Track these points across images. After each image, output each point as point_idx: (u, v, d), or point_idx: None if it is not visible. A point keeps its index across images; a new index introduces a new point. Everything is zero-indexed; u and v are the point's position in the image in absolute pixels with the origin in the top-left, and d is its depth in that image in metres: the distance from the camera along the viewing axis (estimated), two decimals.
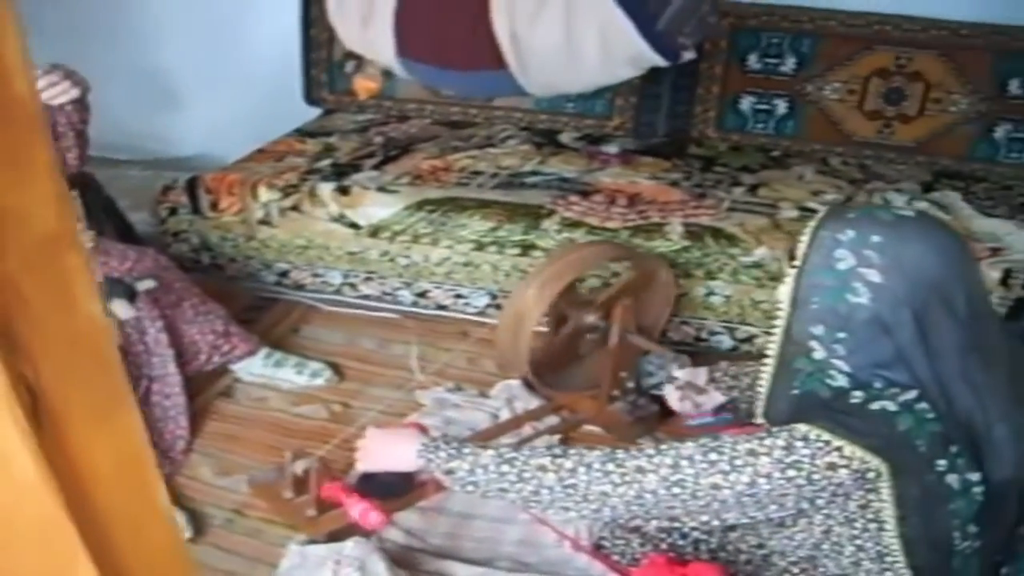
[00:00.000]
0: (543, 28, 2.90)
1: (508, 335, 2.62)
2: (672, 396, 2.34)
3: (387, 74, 3.58)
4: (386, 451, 1.88)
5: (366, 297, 3.29)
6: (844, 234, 1.53)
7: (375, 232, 3.17)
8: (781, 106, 3.65)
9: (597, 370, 2.68)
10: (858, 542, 1.61)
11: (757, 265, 2.87)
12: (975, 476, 1.51)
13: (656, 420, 2.62)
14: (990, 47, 3.38)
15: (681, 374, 2.36)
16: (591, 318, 2.69)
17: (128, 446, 0.73)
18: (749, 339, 2.93)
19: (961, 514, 1.52)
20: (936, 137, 3.49)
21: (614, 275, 2.95)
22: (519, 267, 3.03)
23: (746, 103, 3.68)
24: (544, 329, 2.73)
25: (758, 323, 2.89)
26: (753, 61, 3.64)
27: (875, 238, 1.50)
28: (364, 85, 3.54)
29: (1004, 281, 2.69)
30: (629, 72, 3.08)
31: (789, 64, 3.60)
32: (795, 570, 1.75)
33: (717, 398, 2.27)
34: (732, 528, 1.89)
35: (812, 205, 3.04)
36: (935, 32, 3.43)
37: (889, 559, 1.59)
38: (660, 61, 2.94)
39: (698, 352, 2.84)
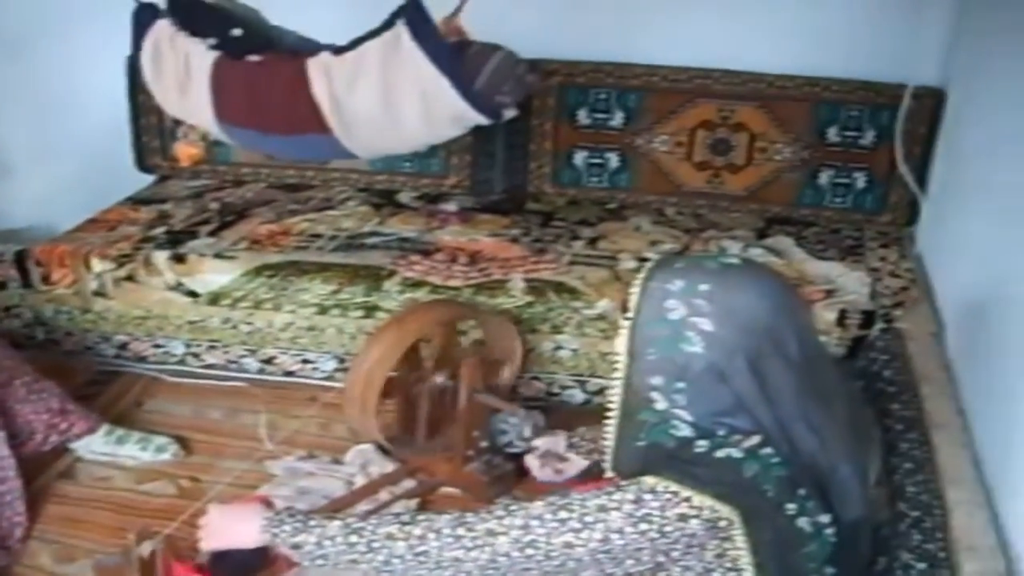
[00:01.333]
0: (362, 91, 2.93)
1: (356, 400, 2.63)
2: (533, 465, 2.31)
3: (210, 140, 3.55)
4: (230, 528, 1.80)
5: (211, 366, 3.26)
6: (673, 284, 1.54)
7: (215, 299, 3.17)
8: (613, 159, 3.77)
9: (450, 431, 2.68)
10: None
11: (601, 317, 2.97)
12: (825, 518, 1.54)
13: (513, 479, 2.64)
14: (806, 98, 3.57)
15: (540, 443, 2.35)
16: (439, 379, 2.73)
17: None
18: (600, 391, 3.00)
19: (816, 557, 1.55)
20: (765, 185, 3.67)
21: (460, 333, 2.96)
22: (364, 329, 3.06)
23: (579, 158, 3.80)
24: (393, 392, 2.71)
25: (607, 375, 2.89)
26: (583, 116, 3.76)
27: (703, 287, 1.52)
28: (186, 151, 3.50)
29: (840, 321, 2.85)
30: (453, 131, 3.13)
31: (617, 118, 3.73)
32: None
33: (579, 463, 2.26)
34: None
35: (650, 255, 3.16)
36: (754, 85, 3.60)
37: None
38: (482, 119, 3.00)
39: (551, 407, 2.91)
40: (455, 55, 2.88)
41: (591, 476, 2.17)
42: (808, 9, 3.49)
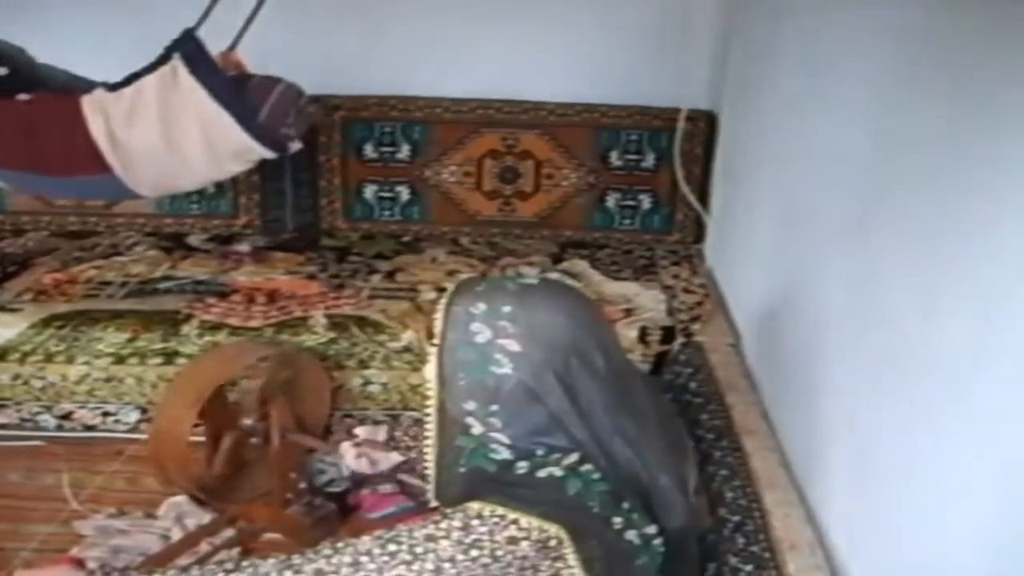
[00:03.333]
0: (141, 128, 2.85)
1: (163, 452, 2.54)
2: (349, 454, 2.32)
3: None
4: None
5: (4, 426, 3.08)
6: (476, 307, 1.57)
7: (2, 355, 3.03)
8: (404, 192, 3.82)
9: (266, 475, 2.64)
10: None
11: (407, 349, 2.99)
12: (652, 529, 1.59)
13: (336, 519, 2.60)
14: (587, 124, 3.70)
15: (360, 431, 2.36)
16: (248, 421, 2.67)
17: None
18: (413, 425, 2.95)
19: (648, 569, 1.59)
20: (555, 211, 3.79)
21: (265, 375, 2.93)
22: (165, 376, 2.98)
23: (369, 192, 3.83)
24: (200, 439, 2.65)
25: (419, 408, 2.91)
26: (370, 150, 3.79)
27: (506, 308, 1.56)
28: None
29: (642, 338, 2.94)
30: (237, 166, 3.08)
31: (404, 151, 3.78)
32: None
33: (395, 457, 2.26)
34: None
35: (449, 285, 3.13)
36: (536, 112, 3.71)
37: None
38: (266, 153, 2.97)
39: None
40: (235, 88, 2.85)
41: (416, 511, 2.18)
42: (584, 39, 3.62)
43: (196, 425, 2.55)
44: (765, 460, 2.05)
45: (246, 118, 2.84)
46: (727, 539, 1.83)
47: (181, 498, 2.70)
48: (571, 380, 1.55)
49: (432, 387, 1.64)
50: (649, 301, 3.12)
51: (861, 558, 1.67)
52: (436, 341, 1.61)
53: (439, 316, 1.61)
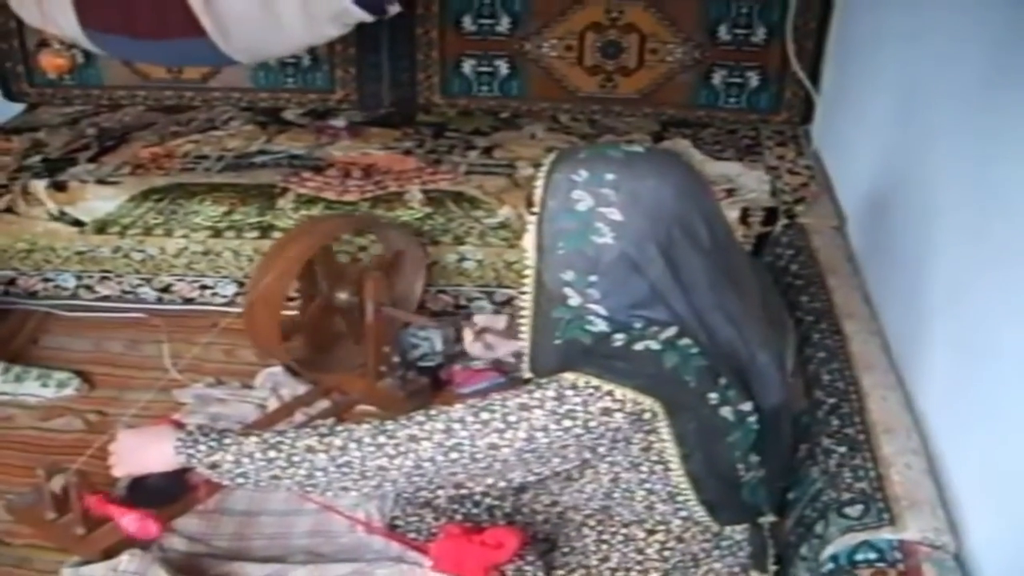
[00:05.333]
0: None
1: (258, 323, 2.61)
2: (467, 337, 2.29)
3: (76, 49, 3.38)
4: (141, 453, 1.77)
5: (106, 298, 3.20)
6: (578, 175, 1.54)
7: (102, 228, 3.11)
8: (503, 67, 3.78)
9: (360, 348, 2.70)
10: (647, 485, 1.67)
11: (503, 226, 3.00)
12: (747, 406, 1.59)
13: (429, 393, 2.67)
14: None
15: (479, 319, 2.35)
16: (343, 295, 2.74)
17: None
18: (508, 302, 3.03)
19: (740, 445, 1.61)
20: (658, 88, 3.72)
21: (361, 249, 2.97)
22: (261, 250, 3.01)
23: (468, 67, 3.79)
24: (296, 312, 2.71)
25: (514, 284, 2.98)
26: (468, 23, 3.74)
27: (609, 176, 1.53)
28: (52, 62, 3.29)
29: (743, 219, 2.92)
30: (335, 30, 3.08)
31: (504, 24, 3.72)
32: (591, 522, 1.80)
33: (512, 345, 2.19)
34: (523, 489, 1.92)
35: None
36: None
37: (680, 498, 1.67)
38: (365, 16, 2.96)
39: (459, 320, 2.87)
40: None
41: (507, 386, 2.19)
42: None
43: (291, 299, 2.60)
44: (865, 343, 2.04)
45: None
46: (821, 421, 1.84)
47: (277, 369, 2.78)
48: (673, 252, 1.54)
49: (530, 257, 1.63)
50: (752, 181, 3.07)
51: (959, 443, 1.66)
52: (536, 210, 1.60)
53: (539, 184, 1.59)
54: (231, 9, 2.88)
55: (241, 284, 3.12)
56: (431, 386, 2.69)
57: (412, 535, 1.92)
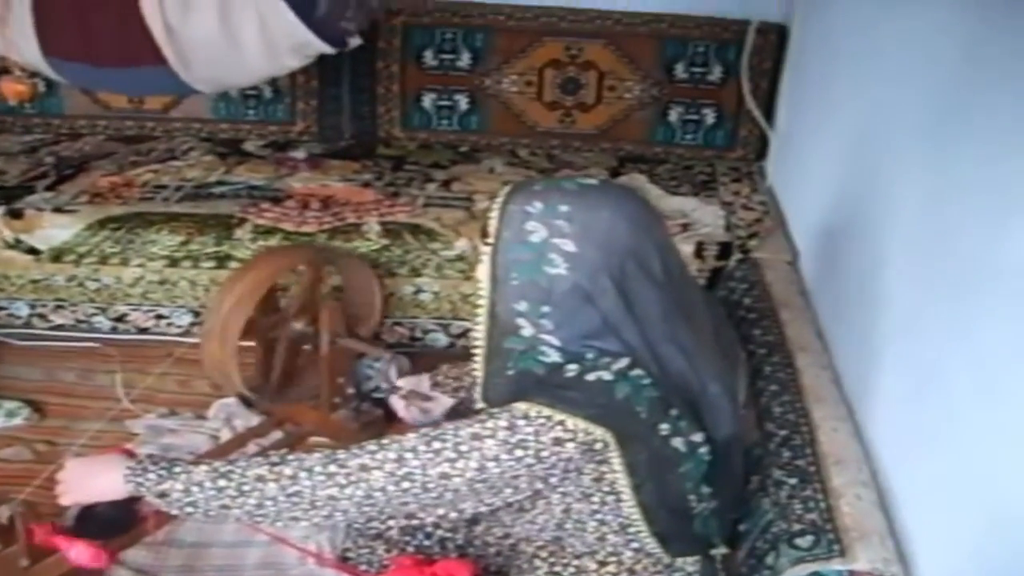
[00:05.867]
0: (197, 17, 2.82)
1: (213, 353, 2.58)
2: (398, 406, 2.26)
3: (38, 76, 3.34)
4: (89, 481, 1.71)
5: (60, 327, 3.16)
6: (533, 206, 1.55)
7: (57, 256, 3.07)
8: (463, 101, 3.79)
9: (314, 379, 2.68)
10: (599, 516, 1.66)
11: (460, 258, 3.00)
12: (699, 437, 1.59)
13: (383, 424, 2.63)
14: (653, 35, 3.64)
15: (403, 383, 2.30)
16: (298, 325, 2.70)
17: None
18: (464, 334, 3.03)
19: (692, 476, 1.60)
20: (616, 123, 3.74)
21: (316, 280, 2.95)
22: (217, 280, 3.00)
23: (428, 100, 3.80)
24: (251, 342, 2.69)
25: (470, 317, 2.89)
26: (429, 58, 3.75)
27: (563, 207, 1.54)
28: (13, 88, 3.24)
29: (698, 253, 2.93)
30: (296, 62, 3.06)
31: (465, 59, 3.74)
32: (543, 554, 1.78)
33: (445, 402, 2.19)
34: (475, 521, 1.89)
35: None
36: (600, 22, 3.66)
37: (632, 529, 1.65)
38: (325, 48, 2.95)
39: (415, 352, 2.90)
40: None
41: (459, 415, 2.19)
42: None
43: (246, 330, 2.58)
44: (817, 376, 2.04)
45: (305, 11, 2.82)
46: (772, 453, 1.83)
47: (231, 400, 2.76)
48: (626, 284, 1.54)
49: (484, 288, 1.63)
50: (707, 216, 3.08)
51: (908, 474, 1.66)
52: (490, 240, 1.59)
53: (494, 215, 1.59)
54: (192, 38, 2.86)
55: (196, 314, 3.08)
56: (384, 418, 2.66)
57: (364, 567, 1.89)
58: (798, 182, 3.04)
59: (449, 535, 1.93)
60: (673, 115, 3.69)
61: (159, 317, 3.13)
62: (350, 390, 2.64)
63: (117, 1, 2.84)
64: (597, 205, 1.55)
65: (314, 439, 2.63)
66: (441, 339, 3.08)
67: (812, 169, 2.81)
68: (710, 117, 3.67)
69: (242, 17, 2.83)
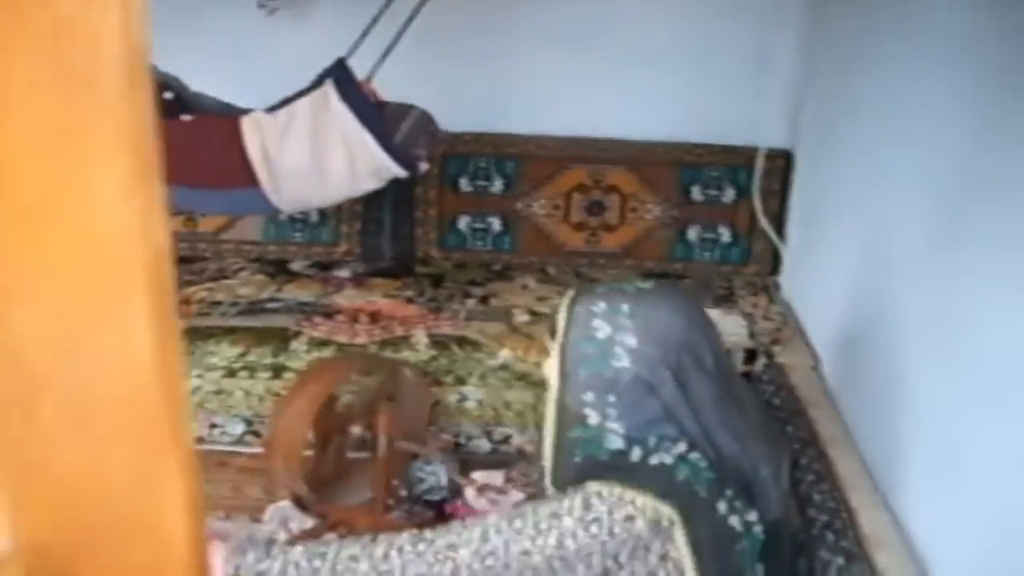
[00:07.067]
0: (291, 146, 3.03)
1: (278, 459, 2.62)
2: (470, 495, 2.36)
3: None
4: None
5: None
6: (597, 306, 1.66)
7: None
8: (496, 223, 3.94)
9: (366, 482, 2.74)
10: None
11: (503, 367, 3.10)
12: (753, 516, 1.66)
13: (434, 526, 2.66)
14: (671, 161, 3.82)
15: (478, 476, 2.40)
16: (356, 430, 2.76)
17: None
18: (506, 440, 3.11)
19: (748, 554, 1.66)
20: (638, 242, 3.89)
21: (366, 389, 3.04)
22: (272, 390, 3.10)
23: (463, 223, 3.95)
24: (309, 449, 2.76)
25: (511, 423, 3.09)
26: (464, 184, 3.92)
27: (624, 307, 1.65)
28: None
29: None
30: (372, 184, 3.21)
31: (497, 185, 3.91)
32: None
33: (515, 496, 2.27)
34: None
35: (541, 309, 3.33)
36: (621, 150, 3.83)
37: None
38: (401, 172, 3.11)
39: (458, 458, 2.93)
40: (377, 112, 3.02)
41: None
42: (668, 79, 3.73)
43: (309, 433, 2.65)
44: (850, 467, 2.14)
45: (386, 140, 3.01)
46: (816, 536, 1.92)
47: (285, 503, 2.77)
48: (683, 375, 1.63)
49: (552, 382, 1.72)
50: (731, 325, 3.19)
51: (946, 553, 1.75)
52: (559, 338, 1.70)
53: (562, 315, 1.70)
54: (285, 164, 3.04)
55: (250, 423, 3.15)
56: (436, 520, 2.70)
57: None
58: (813, 293, 3.16)
59: None
60: (691, 234, 3.83)
61: (213, 426, 3.19)
62: (403, 492, 2.68)
63: (223, 134, 3.04)
64: (655, 305, 1.67)
65: None
66: (484, 445, 3.14)
67: (825, 282, 2.94)
68: (726, 235, 3.82)
69: (331, 146, 3.02)
